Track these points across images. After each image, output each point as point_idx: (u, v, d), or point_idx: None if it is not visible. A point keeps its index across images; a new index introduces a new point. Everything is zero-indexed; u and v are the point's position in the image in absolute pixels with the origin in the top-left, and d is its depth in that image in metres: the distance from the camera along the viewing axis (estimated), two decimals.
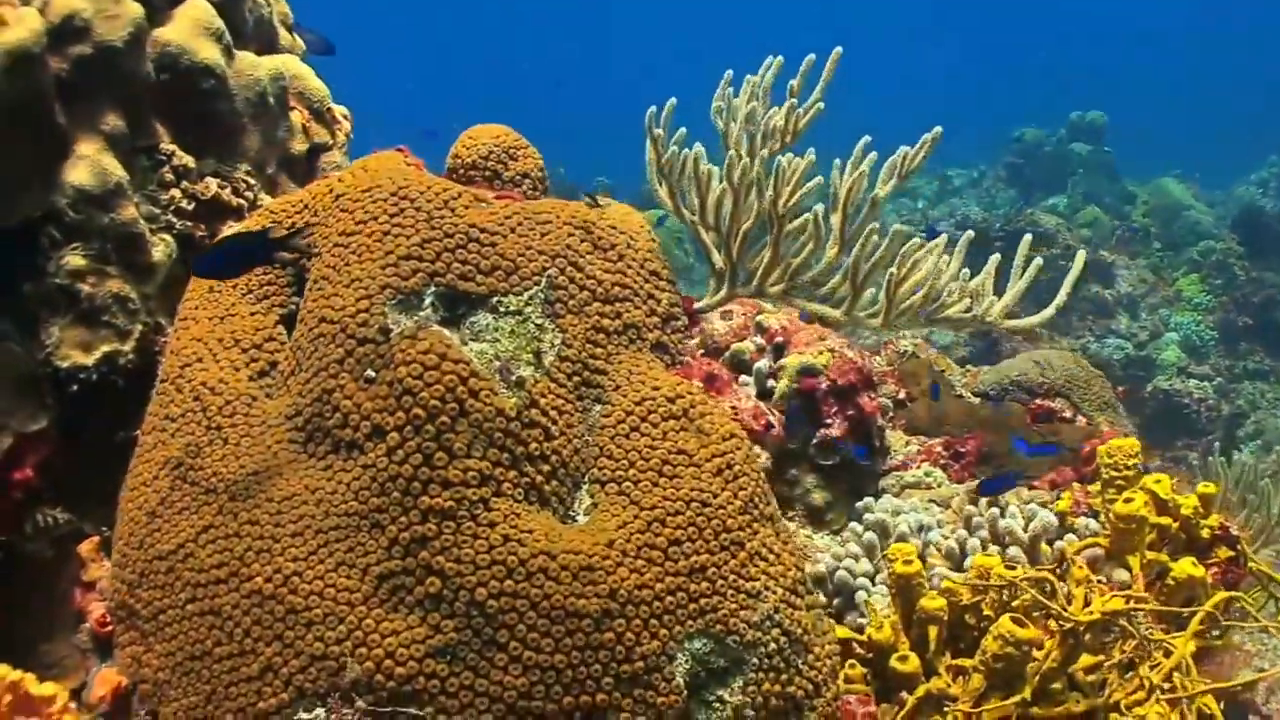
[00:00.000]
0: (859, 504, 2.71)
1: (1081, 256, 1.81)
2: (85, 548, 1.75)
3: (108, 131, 1.75)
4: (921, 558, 2.38)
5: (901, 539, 2.44)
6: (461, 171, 1.95)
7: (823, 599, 2.16)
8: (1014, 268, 1.75)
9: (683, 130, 1.78)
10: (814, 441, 2.78)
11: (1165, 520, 1.90)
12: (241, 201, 1.93)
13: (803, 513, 2.81)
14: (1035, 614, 1.75)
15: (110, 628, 1.67)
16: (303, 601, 1.49)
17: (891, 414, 3.28)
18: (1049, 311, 1.76)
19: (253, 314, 1.74)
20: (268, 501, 1.56)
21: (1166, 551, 1.89)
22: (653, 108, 1.79)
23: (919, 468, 3.04)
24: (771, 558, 1.65)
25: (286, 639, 1.49)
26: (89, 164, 1.72)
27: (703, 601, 1.53)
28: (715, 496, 1.62)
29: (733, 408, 2.20)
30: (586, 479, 1.63)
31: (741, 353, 2.77)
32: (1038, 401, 3.41)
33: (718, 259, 1.78)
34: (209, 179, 1.90)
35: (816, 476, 2.84)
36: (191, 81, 1.88)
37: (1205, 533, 1.93)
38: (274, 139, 2.05)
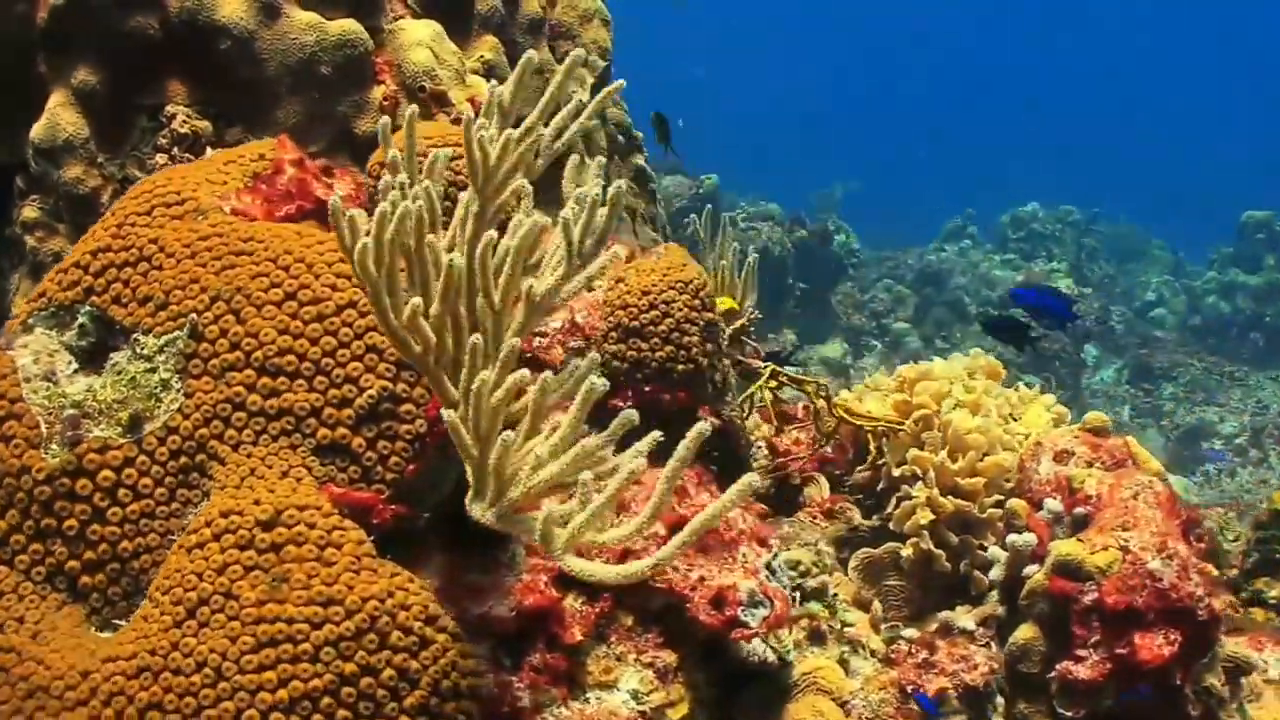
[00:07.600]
0: None
1: None
2: None
3: (75, 85, 1.73)
4: None
5: None
6: None
7: None
8: None
9: None
10: (1051, 674, 1.80)
11: None
12: None
13: None
14: None
15: None
16: None
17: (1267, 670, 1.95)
18: None
19: None
20: None
21: None
22: None
23: None
24: None
25: None
26: (46, 117, 1.73)
27: None
28: (229, 678, 1.13)
29: (720, 587, 1.50)
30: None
31: (1014, 515, 1.89)
32: None
33: None
34: (214, 151, 1.78)
35: None
36: (208, 41, 1.76)
37: None
38: (327, 113, 1.83)
